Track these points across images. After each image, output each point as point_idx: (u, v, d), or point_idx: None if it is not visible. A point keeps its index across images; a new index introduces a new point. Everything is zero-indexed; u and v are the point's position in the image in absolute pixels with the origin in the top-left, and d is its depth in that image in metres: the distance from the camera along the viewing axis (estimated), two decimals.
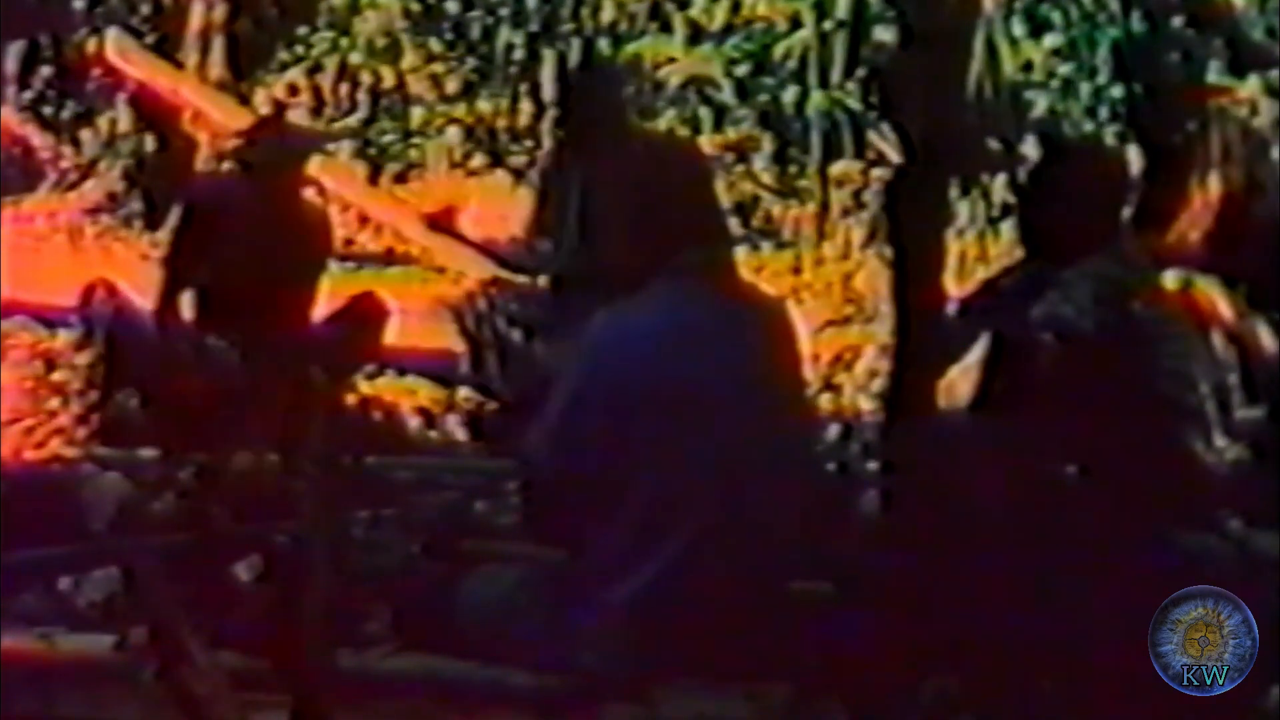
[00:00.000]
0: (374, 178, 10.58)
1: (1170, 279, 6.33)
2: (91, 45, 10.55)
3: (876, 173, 9.99)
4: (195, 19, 10.45)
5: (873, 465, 4.91)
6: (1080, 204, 4.22)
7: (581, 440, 3.87)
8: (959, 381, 4.16)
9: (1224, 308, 6.33)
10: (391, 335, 6.85)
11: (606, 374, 3.88)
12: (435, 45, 11.00)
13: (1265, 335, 6.35)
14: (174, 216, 7.43)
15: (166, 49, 10.44)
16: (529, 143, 10.44)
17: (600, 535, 3.87)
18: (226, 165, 8.27)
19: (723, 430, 3.86)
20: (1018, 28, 10.40)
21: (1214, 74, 8.26)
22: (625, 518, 3.84)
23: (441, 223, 10.01)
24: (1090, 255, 4.18)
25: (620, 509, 3.84)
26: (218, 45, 10.46)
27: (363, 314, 6.77)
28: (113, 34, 10.42)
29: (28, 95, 10.60)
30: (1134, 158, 9.66)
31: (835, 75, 10.45)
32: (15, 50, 10.49)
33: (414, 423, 7.04)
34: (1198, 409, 4.19)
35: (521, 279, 6.81)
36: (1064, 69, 10.38)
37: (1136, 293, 4.60)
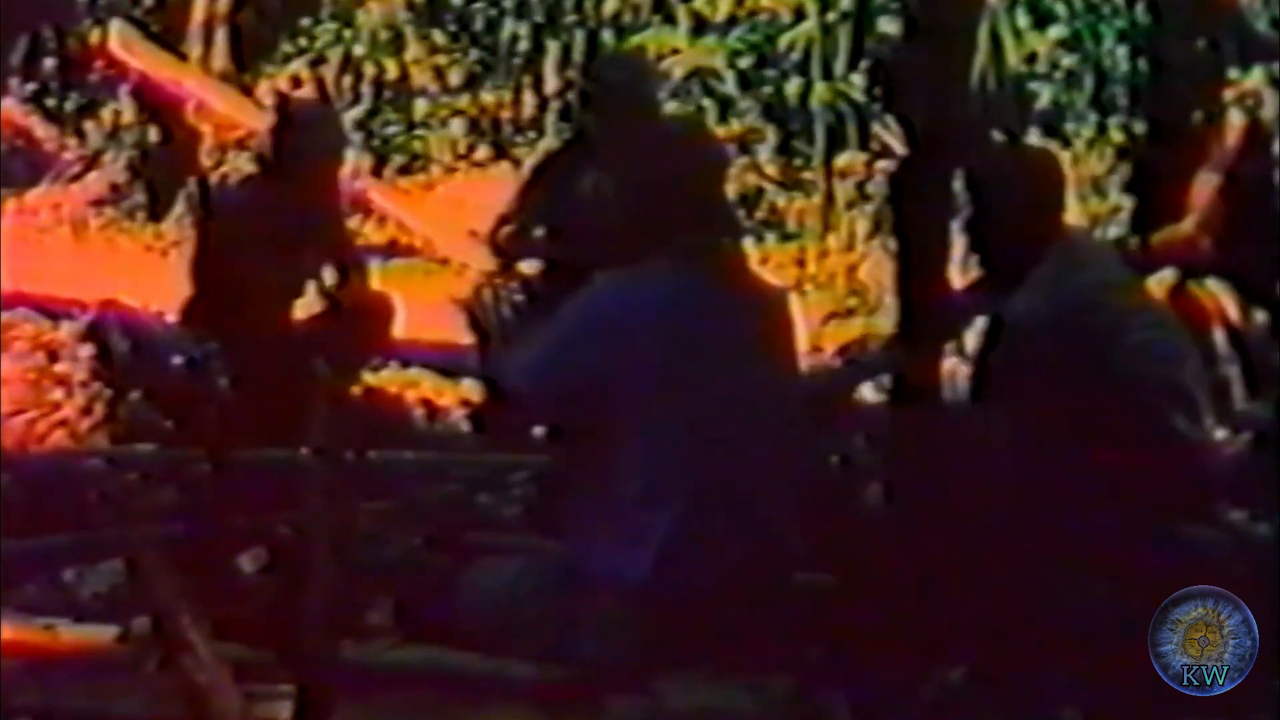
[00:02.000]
0: (377, 170, 10.59)
1: (1170, 272, 6.33)
2: (95, 37, 10.56)
3: (880, 164, 9.99)
4: (198, 11, 10.46)
5: (876, 457, 4.90)
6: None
7: (568, 383, 3.88)
8: (959, 369, 4.17)
9: (1224, 301, 6.33)
10: (397, 328, 6.84)
11: (598, 327, 3.89)
12: (439, 37, 11.01)
13: (1266, 328, 6.35)
14: (181, 211, 7.43)
15: (170, 41, 10.44)
16: (532, 134, 10.45)
17: (600, 523, 3.87)
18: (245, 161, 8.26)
19: (720, 420, 3.86)
20: (1022, 19, 10.41)
21: (1219, 66, 8.26)
22: (623, 507, 3.84)
23: (445, 214, 10.02)
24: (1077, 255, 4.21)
25: (616, 497, 3.84)
26: (221, 37, 10.46)
27: (372, 307, 6.76)
28: (116, 26, 10.42)
29: (31, 87, 10.61)
30: (1136, 149, 9.67)
31: (839, 67, 10.45)
32: (19, 42, 10.50)
33: (417, 415, 7.03)
34: (1199, 402, 4.19)
35: (525, 270, 6.80)
36: (1068, 61, 10.38)
37: (1136, 286, 4.61)
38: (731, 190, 9.47)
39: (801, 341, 4.30)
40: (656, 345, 3.87)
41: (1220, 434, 4.29)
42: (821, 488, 4.25)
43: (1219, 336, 6.22)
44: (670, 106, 10.14)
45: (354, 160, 8.00)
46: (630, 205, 4.04)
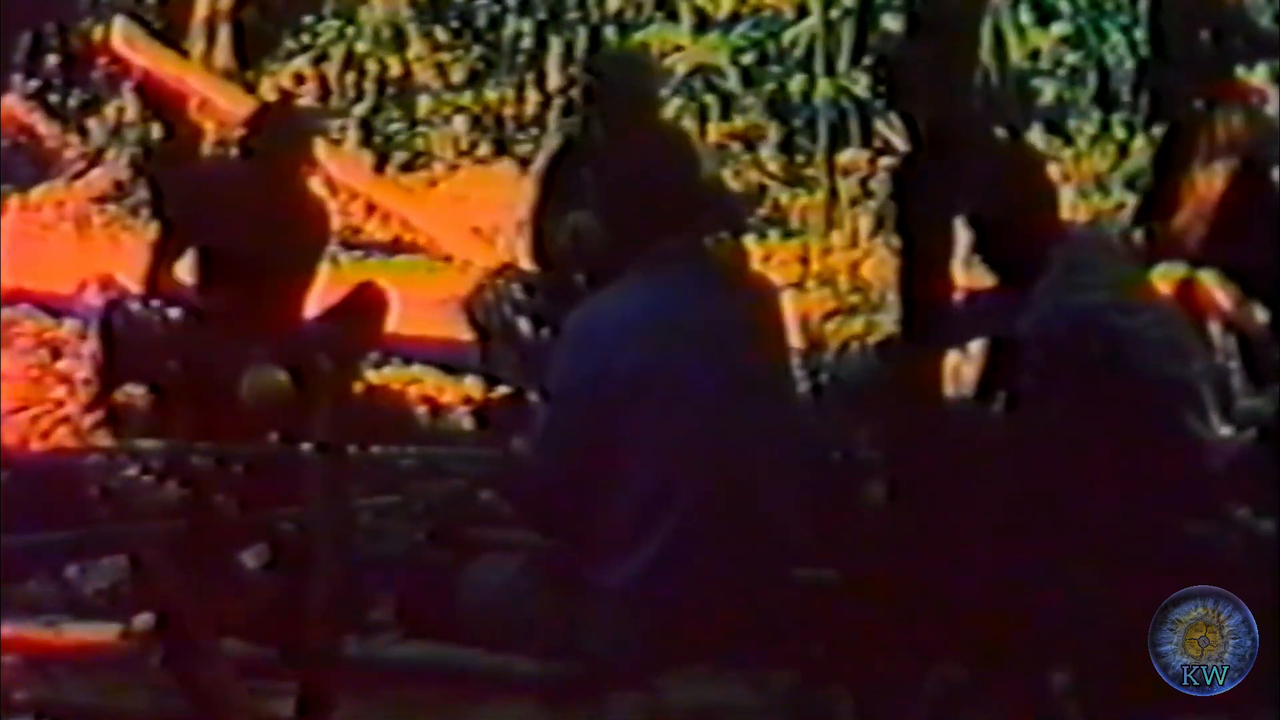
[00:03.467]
0: (380, 166, 10.59)
1: (1172, 269, 6.31)
2: (98, 33, 10.55)
3: (884, 161, 9.99)
4: (201, 7, 10.45)
5: (878, 453, 4.90)
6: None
7: (570, 433, 3.87)
8: (963, 367, 4.16)
9: (1224, 297, 6.32)
10: (397, 324, 6.85)
11: (588, 364, 3.87)
12: (441, 34, 11.00)
13: (1266, 324, 6.34)
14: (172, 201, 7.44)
15: (172, 38, 10.44)
16: (535, 131, 10.45)
17: (601, 524, 3.87)
18: (230, 151, 8.28)
19: (721, 417, 3.86)
20: (1025, 15, 10.41)
21: (1221, 62, 8.25)
22: (625, 506, 3.84)
23: (448, 211, 10.01)
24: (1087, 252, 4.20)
25: (619, 497, 3.84)
26: (224, 34, 10.45)
27: (369, 302, 6.77)
28: (119, 22, 10.42)
29: (34, 84, 10.60)
30: (1140, 145, 9.67)
31: (842, 63, 10.44)
32: (21, 39, 10.49)
33: (419, 411, 7.04)
34: (1205, 398, 4.18)
35: (528, 267, 6.80)
36: (1071, 57, 10.38)
37: (1142, 282, 4.60)
38: (735, 187, 9.48)
39: (801, 338, 4.30)
40: (657, 342, 3.87)
41: (1225, 430, 4.27)
42: (824, 484, 4.25)
43: (1220, 331, 6.21)
44: (674, 103, 10.15)
45: (322, 147, 7.99)
46: (625, 203, 4.05)
